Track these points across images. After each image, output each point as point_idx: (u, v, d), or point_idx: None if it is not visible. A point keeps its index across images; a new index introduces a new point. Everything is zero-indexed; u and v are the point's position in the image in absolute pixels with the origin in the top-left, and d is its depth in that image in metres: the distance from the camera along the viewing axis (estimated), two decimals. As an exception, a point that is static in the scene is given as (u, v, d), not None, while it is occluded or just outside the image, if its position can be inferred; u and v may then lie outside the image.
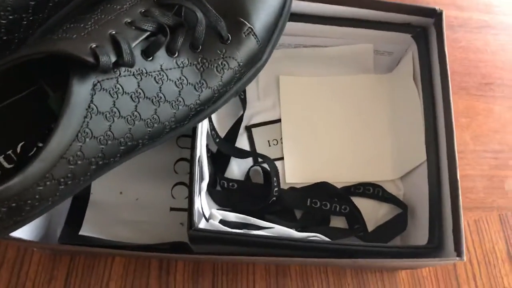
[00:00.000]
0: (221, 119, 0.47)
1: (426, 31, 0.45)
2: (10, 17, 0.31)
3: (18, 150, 0.33)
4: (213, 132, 0.45)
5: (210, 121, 0.45)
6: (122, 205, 0.45)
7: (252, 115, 0.48)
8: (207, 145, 0.45)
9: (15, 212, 0.29)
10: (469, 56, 0.56)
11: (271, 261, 0.44)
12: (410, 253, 0.38)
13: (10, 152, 0.33)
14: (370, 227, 0.45)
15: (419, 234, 0.42)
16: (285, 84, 0.49)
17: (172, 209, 0.45)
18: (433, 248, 0.39)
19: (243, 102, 0.48)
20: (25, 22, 0.32)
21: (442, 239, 0.39)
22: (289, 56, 0.49)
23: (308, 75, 0.50)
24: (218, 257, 0.43)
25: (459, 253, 0.37)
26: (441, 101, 0.42)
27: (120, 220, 0.44)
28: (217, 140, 0.46)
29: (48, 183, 0.29)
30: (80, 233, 0.42)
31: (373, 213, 0.46)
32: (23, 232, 0.36)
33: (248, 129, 0.48)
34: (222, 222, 0.40)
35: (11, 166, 0.32)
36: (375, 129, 0.48)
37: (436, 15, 0.44)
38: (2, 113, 0.33)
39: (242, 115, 0.48)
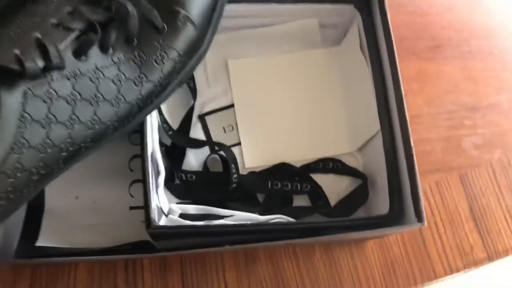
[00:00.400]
0: (172, 110, 0.46)
1: (368, 0, 0.45)
2: None
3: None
4: (165, 125, 0.44)
5: (161, 113, 0.44)
6: (79, 210, 0.44)
7: (204, 103, 0.47)
8: (160, 139, 0.44)
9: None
10: (417, 20, 0.56)
11: (238, 248, 0.43)
12: (372, 224, 0.39)
13: None
14: (333, 202, 0.45)
15: (381, 203, 0.42)
16: (234, 67, 0.48)
17: (131, 207, 0.44)
18: (395, 216, 0.39)
19: (193, 91, 0.47)
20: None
21: (402, 207, 0.39)
22: (234, 39, 0.48)
23: (256, 56, 0.49)
24: (184, 252, 0.43)
25: (420, 218, 0.37)
26: (389, 69, 0.41)
27: (78, 225, 0.43)
28: (170, 132, 0.45)
29: (-13, 200, 0.28)
30: (37, 244, 0.40)
31: (335, 187, 0.46)
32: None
33: (201, 117, 0.47)
34: (182, 215, 0.39)
35: None
36: (328, 103, 0.48)
37: (376, -17, 0.43)
38: None
39: (193, 105, 0.47)
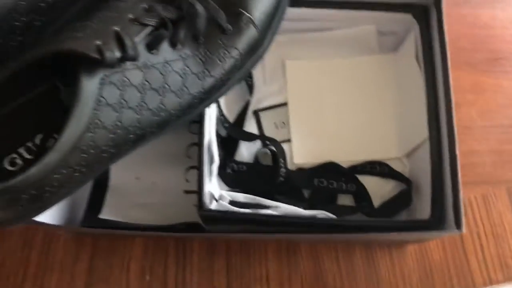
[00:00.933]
0: (229, 104, 0.49)
1: (427, 10, 0.46)
2: (23, 19, 0.34)
3: (37, 142, 0.36)
4: (222, 117, 0.47)
5: (219, 106, 0.47)
6: (139, 189, 0.48)
7: (259, 100, 0.50)
8: (216, 130, 0.47)
9: (36, 199, 0.32)
10: (476, 32, 0.56)
11: (281, 239, 0.46)
12: (412, 226, 0.40)
13: (30, 144, 0.36)
14: (377, 204, 0.47)
15: (424, 209, 0.43)
16: (291, 68, 0.51)
17: (186, 191, 0.47)
18: (435, 221, 0.40)
19: (250, 87, 0.50)
20: (38, 23, 0.35)
21: (443, 213, 0.40)
22: (294, 41, 0.50)
23: (313, 59, 0.51)
24: (231, 235, 0.45)
25: (458, 225, 0.38)
26: (442, 80, 0.42)
27: (137, 203, 0.47)
28: (226, 125, 0.48)
29: (64, 171, 0.32)
30: (100, 216, 0.45)
31: (380, 190, 0.47)
32: (47, 217, 0.40)
33: (256, 113, 0.50)
34: (231, 202, 0.42)
35: (31, 157, 0.35)
36: (380, 108, 0.50)
37: (435, -6, 0.44)
38: (21, 108, 0.35)
39: (249, 100, 0.49)
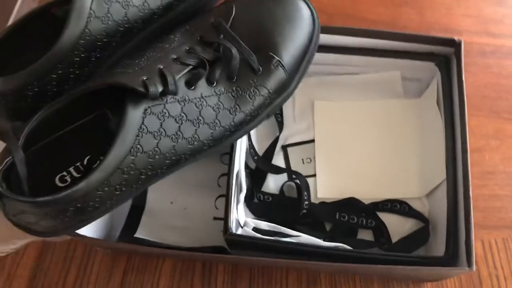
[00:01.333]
0: (259, 139, 0.53)
1: (448, 59, 0.49)
2: (82, 55, 0.39)
3: (85, 162, 0.40)
4: (251, 150, 0.51)
5: (250, 140, 0.51)
6: (172, 213, 0.52)
7: (288, 136, 0.54)
8: (246, 162, 0.51)
9: (80, 212, 0.36)
10: (501, 81, 0.58)
11: (300, 266, 0.48)
12: (425, 262, 0.42)
13: (78, 164, 0.40)
14: (395, 240, 0.49)
15: (439, 247, 0.45)
16: (319, 108, 0.54)
17: (215, 218, 0.51)
18: (447, 259, 0.42)
19: (280, 124, 0.54)
20: (93, 59, 0.40)
21: (456, 251, 0.42)
22: (323, 83, 0.54)
23: (341, 100, 0.54)
24: (253, 259, 0.48)
25: (469, 263, 0.40)
26: (459, 125, 0.45)
27: (170, 226, 0.51)
28: (255, 157, 0.51)
29: (106, 189, 0.36)
30: (136, 235, 0.49)
31: (399, 227, 0.49)
32: (89, 231, 0.44)
33: (284, 148, 0.53)
34: (255, 229, 0.45)
35: (79, 175, 0.40)
36: (403, 149, 0.52)
37: (455, 45, 0.47)
38: (74, 132, 0.40)
39: (279, 136, 0.53)
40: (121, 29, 0.40)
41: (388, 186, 0.51)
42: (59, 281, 0.50)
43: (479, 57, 0.60)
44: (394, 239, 0.49)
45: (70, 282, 0.50)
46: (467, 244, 0.40)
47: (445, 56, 0.49)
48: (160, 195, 0.52)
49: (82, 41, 0.39)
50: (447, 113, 0.47)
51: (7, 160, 0.34)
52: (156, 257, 0.51)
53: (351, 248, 0.45)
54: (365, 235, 0.50)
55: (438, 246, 0.46)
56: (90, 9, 0.38)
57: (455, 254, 0.42)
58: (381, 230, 0.49)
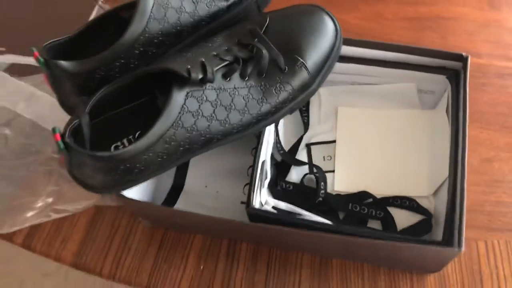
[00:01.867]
0: (287, 136, 0.60)
1: (458, 73, 0.55)
2: (141, 49, 0.48)
3: (136, 136, 0.49)
4: (278, 145, 0.58)
5: (277, 136, 0.58)
6: (206, 195, 0.59)
7: (312, 136, 0.61)
8: (272, 154, 0.58)
9: (128, 172, 0.44)
10: (515, 101, 0.63)
11: (312, 238, 0.53)
12: (423, 241, 0.47)
13: (131, 137, 0.49)
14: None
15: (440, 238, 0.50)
16: (342, 113, 0.61)
17: (242, 202, 0.58)
18: (444, 243, 0.47)
19: (306, 125, 0.61)
20: (150, 53, 0.49)
21: (452, 237, 0.47)
22: (347, 91, 0.61)
23: (362, 107, 0.61)
24: (270, 227, 0.53)
25: (459, 245, 0.45)
26: (461, 132, 0.50)
27: (203, 205, 0.58)
28: (281, 151, 0.58)
29: (150, 154, 0.44)
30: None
31: (405, 220, 0.54)
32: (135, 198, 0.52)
33: (308, 146, 0.60)
34: (274, 208, 0.52)
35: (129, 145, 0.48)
36: (415, 153, 0.58)
37: (463, 60, 0.53)
38: (130, 111, 0.49)
39: (303, 135, 0.60)
40: (174, 30, 0.49)
41: (399, 184, 0.57)
42: (104, 247, 0.58)
43: (497, 79, 0.65)
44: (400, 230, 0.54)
45: (113, 249, 0.58)
46: (459, 229, 0.45)
47: (455, 70, 0.55)
48: (197, 179, 0.60)
49: (142, 38, 0.48)
50: (453, 122, 0.52)
51: (75, 122, 0.43)
52: (188, 233, 0.59)
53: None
54: (374, 225, 0.55)
55: (439, 237, 0.50)
56: (151, 12, 0.48)
57: (450, 239, 0.47)
58: (388, 220, 0.54)
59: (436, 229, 0.52)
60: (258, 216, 0.50)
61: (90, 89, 0.47)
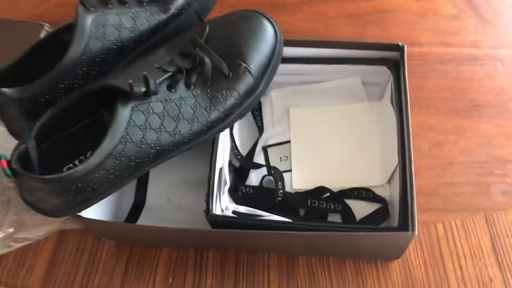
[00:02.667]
0: (242, 141, 0.61)
1: (397, 63, 0.56)
2: (84, 68, 0.48)
3: (88, 155, 0.49)
4: (235, 151, 0.59)
5: (234, 142, 0.59)
6: (169, 208, 0.60)
7: (268, 138, 0.62)
8: (230, 161, 0.58)
9: (81, 192, 0.44)
10: (458, 84, 0.65)
11: (275, 236, 0.54)
12: (374, 229, 0.48)
13: (82, 157, 0.49)
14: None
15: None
16: (294, 114, 0.63)
17: (205, 211, 0.58)
18: (399, 228, 0.48)
19: (260, 128, 0.62)
20: (93, 72, 0.50)
21: (406, 221, 0.48)
22: (296, 91, 0.63)
23: (312, 106, 0.62)
24: (234, 232, 0.53)
25: (413, 228, 0.46)
26: (405, 118, 0.52)
27: (166, 219, 0.58)
28: (239, 157, 0.59)
29: (102, 172, 0.44)
30: (135, 225, 0.57)
31: (364, 210, 0.56)
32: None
33: (264, 149, 0.61)
34: (234, 212, 0.53)
35: (82, 165, 0.49)
36: (366, 145, 0.59)
37: (400, 49, 0.55)
38: (78, 131, 0.49)
39: (259, 139, 0.61)
40: (116, 47, 0.50)
41: (354, 176, 0.58)
42: (71, 271, 0.58)
43: (438, 65, 0.67)
44: (360, 221, 0.55)
45: (81, 271, 0.58)
46: (411, 213, 0.47)
47: (394, 60, 0.57)
48: (158, 193, 0.60)
49: (84, 57, 0.48)
50: (397, 109, 0.54)
51: (21, 147, 0.43)
52: (154, 248, 0.59)
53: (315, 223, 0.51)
54: (334, 218, 0.56)
55: (396, 223, 0.52)
56: (90, 31, 0.48)
57: (405, 223, 0.48)
58: (347, 212, 0.55)
59: (393, 215, 0.54)
60: (219, 222, 0.50)
61: (37, 113, 0.47)
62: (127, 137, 0.45)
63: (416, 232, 0.46)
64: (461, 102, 0.64)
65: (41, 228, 0.59)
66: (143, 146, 0.46)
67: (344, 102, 0.62)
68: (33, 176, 0.42)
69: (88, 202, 0.47)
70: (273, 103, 0.63)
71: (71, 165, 0.49)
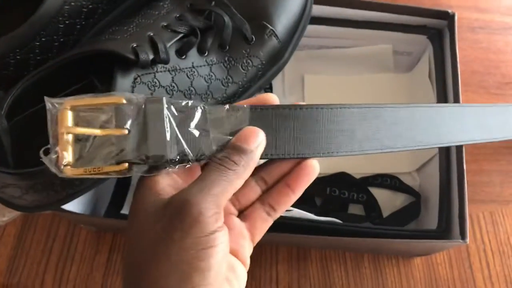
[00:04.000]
0: (249, 114, 0.52)
1: (441, 32, 0.48)
2: (67, 22, 0.37)
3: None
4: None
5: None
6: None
7: (278, 111, 0.53)
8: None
9: (67, 185, 0.35)
10: (490, 57, 0.58)
11: (291, 240, 0.48)
12: (418, 235, 0.42)
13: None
14: (386, 215, 0.48)
15: (432, 221, 0.44)
16: (309, 82, 0.53)
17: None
18: (440, 232, 0.42)
19: (270, 98, 0.52)
20: (78, 26, 0.38)
21: (449, 224, 0.42)
22: (313, 56, 0.53)
23: (331, 75, 0.54)
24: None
25: (463, 236, 0.40)
26: (452, 99, 0.44)
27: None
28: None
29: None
30: (122, 211, 0.47)
31: (390, 202, 0.49)
32: (73, 208, 0.42)
33: (274, 123, 0.52)
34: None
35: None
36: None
37: (449, 18, 0.47)
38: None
39: (269, 111, 0.52)
40: (85, 9, 0.38)
41: (379, 160, 0.51)
42: (41, 260, 0.49)
43: (469, 33, 0.60)
44: (385, 214, 0.49)
45: (53, 261, 0.49)
46: (461, 217, 0.40)
47: (437, 29, 0.48)
48: (147, 171, 0.51)
49: (67, 7, 0.36)
50: (440, 87, 0.47)
51: (-12, 130, 0.32)
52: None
53: (342, 222, 0.44)
54: (356, 209, 0.49)
55: (430, 220, 0.45)
56: (75, -28, 0.36)
57: (448, 227, 0.42)
58: (372, 204, 0.48)
59: (425, 212, 0.47)
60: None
61: (4, 79, 0.36)
62: (128, 117, 0.35)
63: (468, 241, 0.39)
64: (493, 78, 0.57)
65: (1, 212, 0.48)
66: (146, 128, 0.36)
67: (367, 71, 0.53)
68: (6, 171, 0.31)
69: (75, 195, 0.37)
70: (284, 69, 0.53)
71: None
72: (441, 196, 0.44)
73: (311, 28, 0.49)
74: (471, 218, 0.52)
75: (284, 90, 0.53)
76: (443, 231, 0.42)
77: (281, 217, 0.42)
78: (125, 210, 0.48)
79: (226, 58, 0.40)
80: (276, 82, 0.53)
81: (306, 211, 0.46)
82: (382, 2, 0.48)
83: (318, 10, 0.49)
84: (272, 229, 0.42)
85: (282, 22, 0.42)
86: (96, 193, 0.49)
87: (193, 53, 0.38)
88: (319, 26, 0.50)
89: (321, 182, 0.49)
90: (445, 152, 0.44)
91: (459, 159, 0.42)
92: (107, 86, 0.35)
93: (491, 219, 0.52)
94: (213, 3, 0.40)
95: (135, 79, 0.35)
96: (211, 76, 0.39)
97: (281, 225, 0.42)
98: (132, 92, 0.35)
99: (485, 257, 0.50)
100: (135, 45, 0.34)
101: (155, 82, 0.36)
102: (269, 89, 0.53)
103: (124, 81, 0.34)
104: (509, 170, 0.54)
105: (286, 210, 0.44)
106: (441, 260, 0.50)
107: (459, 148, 0.43)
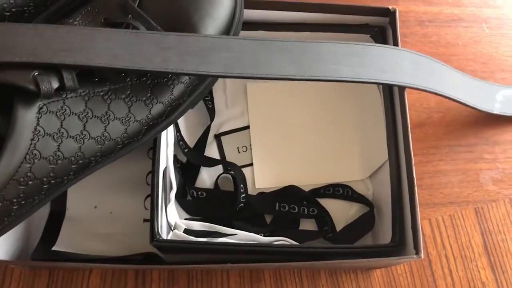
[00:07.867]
0: (189, 129, 0.48)
1: (384, 30, 0.45)
2: (13, 9, 0.33)
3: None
4: (181, 142, 0.46)
5: (178, 131, 0.46)
6: (97, 218, 0.46)
7: (221, 124, 0.49)
8: (175, 156, 0.46)
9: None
10: (440, 51, 0.56)
11: (242, 267, 0.45)
12: (371, 252, 0.39)
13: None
14: (340, 227, 0.46)
15: (387, 232, 0.42)
16: (252, 91, 0.50)
17: (145, 220, 0.46)
18: (395, 246, 0.39)
19: (211, 111, 0.49)
20: (26, 15, 0.34)
21: (403, 237, 0.39)
22: (254, 63, 0.50)
23: (275, 82, 0.50)
24: (190, 266, 0.44)
25: (417, 251, 0.37)
26: (399, 102, 0.42)
27: (95, 233, 0.45)
28: (186, 150, 0.47)
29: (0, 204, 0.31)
30: (54, 248, 0.43)
31: (343, 213, 0.46)
32: (2, 249, 0.38)
33: (217, 137, 0.49)
34: (187, 231, 0.41)
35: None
36: (342, 131, 0.49)
37: (390, 14, 0.44)
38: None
39: (210, 124, 0.48)
40: (8, 13, 0.34)
41: (329, 170, 0.48)
42: (-29, 307, 0.45)
43: (418, 27, 0.57)
44: (340, 225, 0.46)
45: (-15, 305, 0.45)
46: (414, 230, 0.37)
47: (380, 27, 0.46)
48: (82, 199, 0.47)
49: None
50: (385, 89, 0.44)
51: None
52: (82, 269, 0.46)
53: (293, 243, 0.41)
54: (308, 225, 0.46)
55: (384, 231, 0.43)
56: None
57: (402, 241, 0.39)
58: (324, 218, 0.45)
59: (379, 221, 0.44)
60: (168, 248, 0.39)
61: None
62: (35, 152, 0.31)
63: (422, 256, 0.37)
64: (445, 73, 0.55)
65: None
66: (59, 162, 0.32)
67: (313, 76, 0.50)
68: None
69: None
70: (226, 79, 0.50)
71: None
72: (393, 206, 0.41)
73: (246, 35, 0.46)
74: (430, 223, 0.49)
75: (227, 101, 0.50)
76: (397, 245, 0.39)
77: (225, 243, 0.39)
78: (58, 246, 0.44)
79: (148, 75, 0.36)
80: (217, 93, 0.50)
81: (255, 230, 0.43)
82: (321, 2, 0.45)
83: (254, 14, 0.45)
84: (218, 256, 0.39)
85: (209, 30, 0.38)
86: (27, 227, 0.44)
87: (109, 74, 0.34)
88: (256, 31, 0.47)
89: (269, 198, 0.46)
90: (394, 157, 0.42)
91: (408, 167, 0.39)
92: (8, 119, 0.31)
93: (451, 222, 0.49)
94: (129, 16, 0.36)
95: (40, 108, 0.31)
96: (132, 97, 0.35)
97: (225, 251, 0.39)
98: (37, 122, 0.31)
99: (447, 263, 0.48)
100: (36, 73, 0.31)
101: (65, 110, 0.32)
102: (210, 101, 0.49)
103: (26, 113, 0.31)
104: (467, 169, 0.51)
105: (231, 234, 0.41)
106: (401, 270, 0.47)
107: (407, 155, 0.40)
